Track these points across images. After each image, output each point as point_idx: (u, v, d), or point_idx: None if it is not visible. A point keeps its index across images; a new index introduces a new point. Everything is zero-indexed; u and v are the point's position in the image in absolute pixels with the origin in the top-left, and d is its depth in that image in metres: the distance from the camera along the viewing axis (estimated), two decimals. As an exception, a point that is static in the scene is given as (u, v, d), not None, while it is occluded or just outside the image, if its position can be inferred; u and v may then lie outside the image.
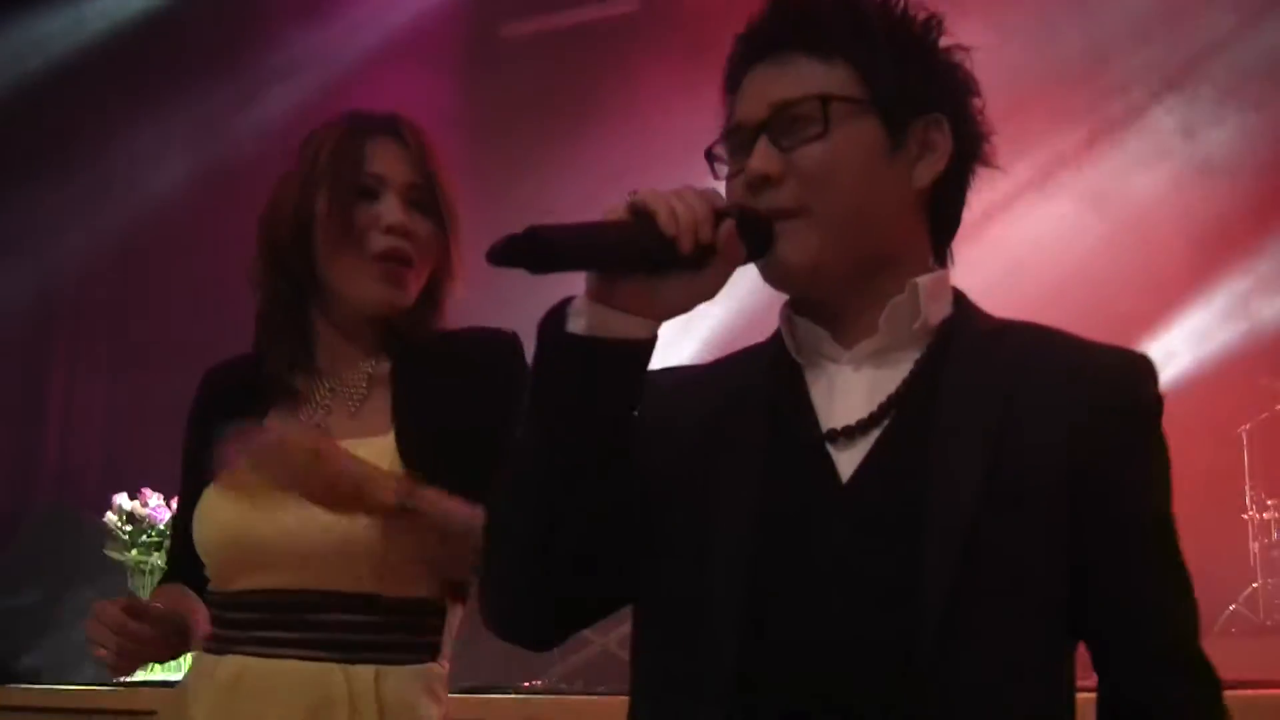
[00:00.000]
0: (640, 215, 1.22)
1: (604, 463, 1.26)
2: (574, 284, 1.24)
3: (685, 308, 1.27)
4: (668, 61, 4.36)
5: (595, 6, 4.93)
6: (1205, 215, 4.91)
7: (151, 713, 2.95)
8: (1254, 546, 4.74)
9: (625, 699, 1.38)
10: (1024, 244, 5.01)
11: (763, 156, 1.30)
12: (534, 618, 1.35)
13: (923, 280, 1.32)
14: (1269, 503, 4.74)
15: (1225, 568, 4.66)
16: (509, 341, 1.85)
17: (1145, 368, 1.32)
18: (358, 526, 1.68)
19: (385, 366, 1.84)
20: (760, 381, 1.36)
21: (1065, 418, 1.26)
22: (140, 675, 3.33)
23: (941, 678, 1.18)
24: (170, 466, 1.97)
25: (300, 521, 1.72)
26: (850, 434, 1.29)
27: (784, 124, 1.31)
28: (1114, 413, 1.28)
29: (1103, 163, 5.18)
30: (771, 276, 1.32)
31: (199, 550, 1.82)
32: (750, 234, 1.27)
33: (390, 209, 1.79)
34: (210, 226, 4.70)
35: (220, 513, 1.79)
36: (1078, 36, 5.17)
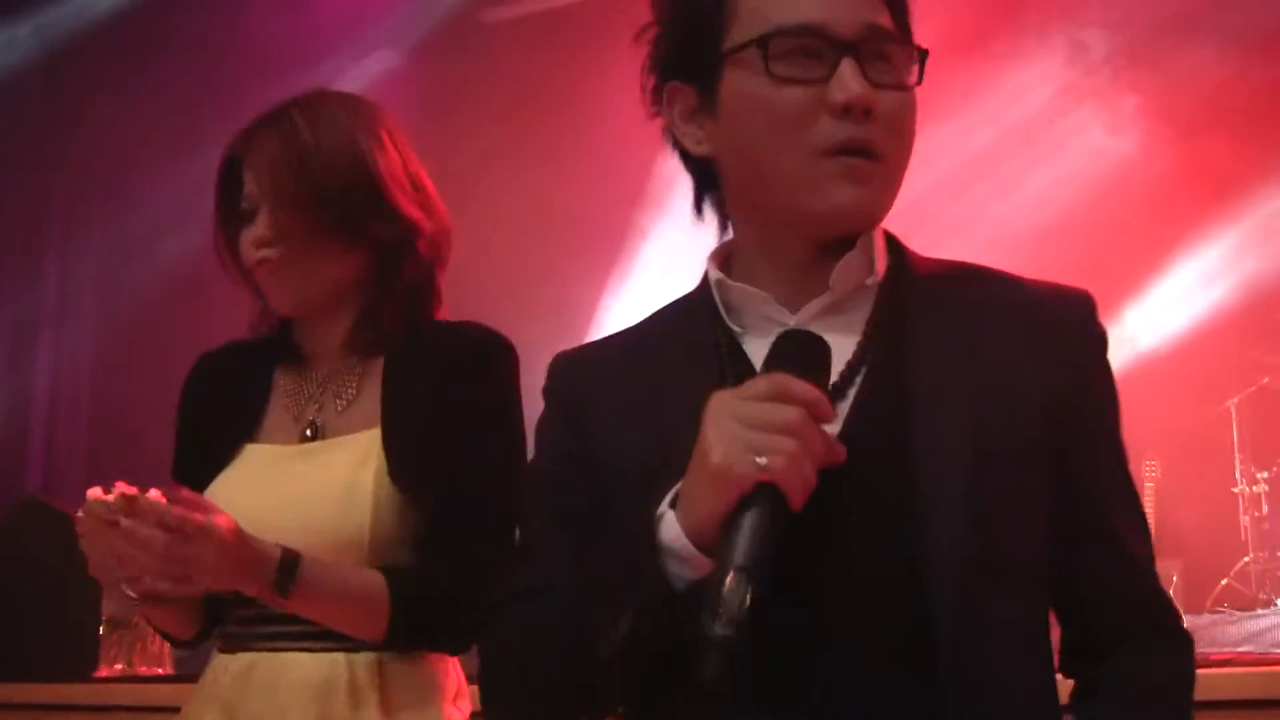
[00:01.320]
0: (766, 493, 1.06)
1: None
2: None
3: None
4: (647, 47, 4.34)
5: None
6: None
7: (161, 709, 2.95)
8: (1244, 520, 4.75)
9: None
10: (1004, 206, 4.98)
11: (863, 85, 1.17)
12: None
13: (873, 232, 1.23)
14: (1259, 476, 4.73)
15: (1216, 542, 4.66)
16: (499, 347, 1.82)
17: (1093, 306, 1.26)
18: (342, 523, 1.71)
19: (377, 363, 1.83)
20: (696, 358, 1.23)
21: (1038, 370, 1.20)
22: (148, 669, 3.33)
23: (956, 662, 1.11)
24: (156, 464, 1.96)
25: (286, 520, 1.72)
26: None
27: (873, 54, 1.18)
28: (1082, 364, 1.23)
29: (1076, 118, 5.14)
30: (831, 221, 1.19)
31: None
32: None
33: (259, 223, 1.77)
34: (197, 220, 4.67)
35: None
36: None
